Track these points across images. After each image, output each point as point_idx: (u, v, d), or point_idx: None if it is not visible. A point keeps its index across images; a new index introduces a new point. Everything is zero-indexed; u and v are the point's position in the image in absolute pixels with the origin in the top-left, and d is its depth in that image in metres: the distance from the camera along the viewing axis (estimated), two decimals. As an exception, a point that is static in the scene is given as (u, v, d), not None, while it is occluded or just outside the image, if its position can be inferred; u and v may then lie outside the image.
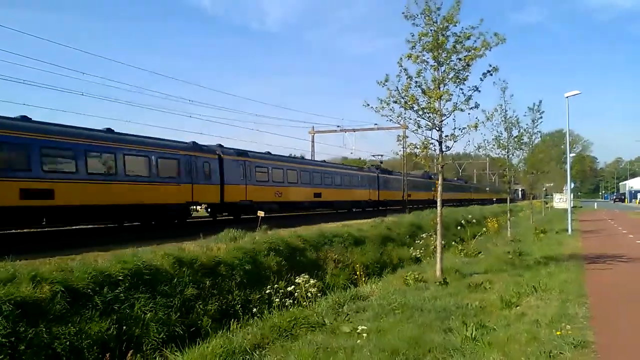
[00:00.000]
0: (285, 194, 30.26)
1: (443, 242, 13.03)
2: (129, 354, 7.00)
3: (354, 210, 39.82)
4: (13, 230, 17.56)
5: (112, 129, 19.35)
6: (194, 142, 23.71)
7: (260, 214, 18.52)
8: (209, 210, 27.25)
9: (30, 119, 16.41)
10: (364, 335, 7.02)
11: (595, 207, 74.94)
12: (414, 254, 18.66)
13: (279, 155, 32.64)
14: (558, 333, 7.00)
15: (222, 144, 26.39)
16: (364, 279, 14.24)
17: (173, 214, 21.75)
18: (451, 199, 57.26)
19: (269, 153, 30.83)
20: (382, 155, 54.85)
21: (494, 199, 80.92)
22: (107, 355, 6.97)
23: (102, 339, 7.96)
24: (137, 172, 19.36)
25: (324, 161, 35.80)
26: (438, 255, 12.45)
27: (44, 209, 15.89)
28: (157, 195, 20.19)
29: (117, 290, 8.90)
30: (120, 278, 9.15)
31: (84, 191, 16.90)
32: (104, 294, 8.61)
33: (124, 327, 8.46)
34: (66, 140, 16.69)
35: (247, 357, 6.58)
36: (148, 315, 8.95)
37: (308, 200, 32.92)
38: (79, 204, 16.71)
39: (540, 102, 24.45)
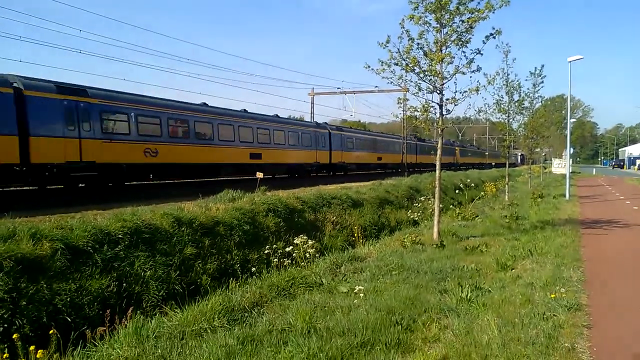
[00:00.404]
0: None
1: (441, 205, 13.10)
2: (130, 310, 7.10)
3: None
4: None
5: (278, 115, 31.60)
6: (316, 122, 37.75)
7: (259, 175, 18.54)
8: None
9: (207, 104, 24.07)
10: (361, 295, 7.13)
11: (594, 172, 75.02)
12: (411, 216, 18.79)
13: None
14: (552, 296, 7.11)
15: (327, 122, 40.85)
16: (361, 240, 14.36)
17: (308, 170, 33.60)
18: (446, 163, 56.56)
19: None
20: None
21: (493, 163, 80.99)
22: (108, 311, 7.07)
23: (102, 295, 8.08)
24: (293, 143, 30.55)
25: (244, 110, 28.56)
26: (435, 218, 12.54)
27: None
28: (302, 157, 31.64)
29: (117, 249, 8.98)
30: (120, 236, 9.23)
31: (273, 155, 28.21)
32: (104, 252, 8.69)
33: (124, 285, 8.58)
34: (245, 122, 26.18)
35: (246, 314, 6.68)
36: (148, 273, 9.07)
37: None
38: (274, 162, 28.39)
39: (542, 66, 24.23)
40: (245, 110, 27.74)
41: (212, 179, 24.39)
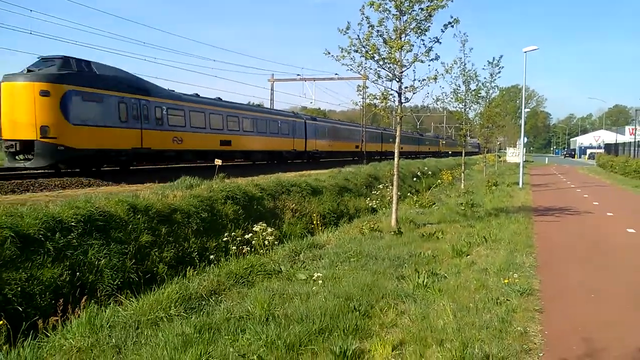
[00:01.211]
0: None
1: (399, 193, 13.24)
2: (83, 300, 6.93)
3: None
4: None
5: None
6: (294, 112, 40.83)
7: (218, 162, 18.35)
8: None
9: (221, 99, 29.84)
10: (320, 282, 7.16)
11: (546, 161, 77.32)
12: (370, 204, 18.93)
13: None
14: (505, 281, 7.30)
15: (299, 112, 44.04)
16: (320, 228, 14.41)
17: (286, 156, 35.88)
18: (408, 152, 58.15)
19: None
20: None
21: (449, 152, 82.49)
22: (61, 300, 6.88)
23: (54, 284, 7.85)
24: (274, 131, 33.42)
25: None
26: (394, 205, 12.67)
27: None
28: (281, 145, 34.75)
29: (69, 237, 8.72)
30: (72, 224, 8.96)
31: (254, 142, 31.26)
32: (56, 240, 8.43)
33: (78, 274, 8.35)
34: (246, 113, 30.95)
35: (204, 302, 6.62)
36: (102, 261, 8.85)
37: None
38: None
39: (501, 56, 24.64)
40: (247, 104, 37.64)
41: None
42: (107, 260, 8.94)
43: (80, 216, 9.19)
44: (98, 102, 18.98)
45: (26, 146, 17.05)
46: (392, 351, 4.95)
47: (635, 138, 47.29)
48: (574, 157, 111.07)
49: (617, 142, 58.88)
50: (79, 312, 6.35)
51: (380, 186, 20.17)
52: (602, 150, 67.10)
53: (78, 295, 7.77)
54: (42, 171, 18.51)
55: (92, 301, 7.05)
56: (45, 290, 7.64)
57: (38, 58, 18.61)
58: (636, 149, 41.13)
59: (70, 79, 17.82)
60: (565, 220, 15.04)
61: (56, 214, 8.92)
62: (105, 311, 6.24)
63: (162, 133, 22.90)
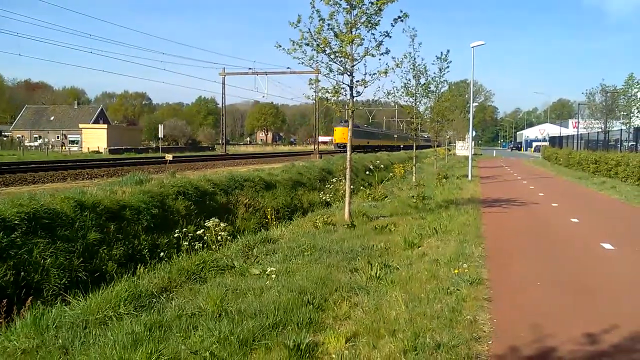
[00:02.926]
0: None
1: (352, 186, 13.33)
2: (29, 300, 6.68)
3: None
4: None
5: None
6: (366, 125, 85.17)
7: (168, 157, 18.05)
8: None
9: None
10: (273, 276, 7.13)
11: (494, 154, 79.42)
12: (324, 198, 18.98)
13: None
14: (456, 271, 7.45)
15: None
16: (274, 222, 14.34)
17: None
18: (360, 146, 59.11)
19: None
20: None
21: (401, 146, 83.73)
22: (4, 301, 6.62)
23: (-3, 285, 7.55)
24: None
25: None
26: (347, 199, 12.75)
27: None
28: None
29: (13, 235, 8.39)
30: (16, 222, 8.62)
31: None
32: (-2, 239, 8.09)
33: (22, 273, 8.05)
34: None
35: (154, 300, 6.48)
36: (48, 260, 8.55)
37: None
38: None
39: (448, 51, 25.05)
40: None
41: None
42: (54, 259, 8.65)
43: (24, 214, 8.85)
44: (359, 134, 44.99)
45: (340, 145, 54.38)
46: (346, 343, 4.97)
47: (578, 131, 49.08)
48: (520, 150, 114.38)
49: (561, 135, 60.96)
50: (24, 314, 6.13)
51: (334, 180, 20.25)
52: (547, 143, 69.35)
53: (23, 295, 7.50)
54: None
55: (38, 301, 6.82)
56: (-13, 292, 7.34)
57: (341, 120, 47.79)
58: (579, 141, 42.71)
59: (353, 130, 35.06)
60: (512, 211, 15.49)
61: (-2, 212, 8.56)
62: (51, 311, 6.03)
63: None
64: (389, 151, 60.41)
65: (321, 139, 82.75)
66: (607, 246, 10.16)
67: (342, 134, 56.09)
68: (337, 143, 59.23)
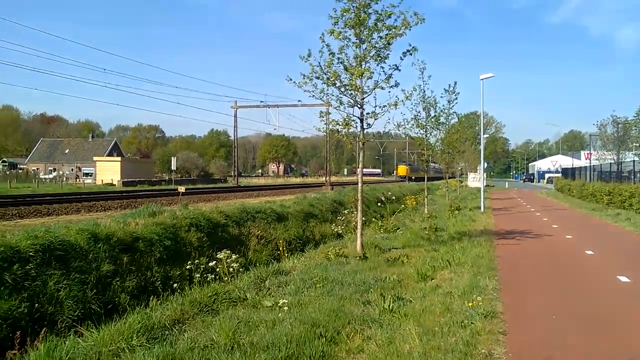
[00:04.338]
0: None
1: (364, 218, 13.32)
2: (42, 332, 6.70)
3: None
4: None
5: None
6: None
7: (181, 189, 18.18)
8: None
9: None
10: (285, 308, 7.10)
11: (506, 186, 79.06)
12: (335, 229, 18.95)
13: None
14: (470, 304, 7.37)
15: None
16: (286, 254, 14.33)
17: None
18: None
19: None
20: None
21: (413, 177, 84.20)
22: (18, 333, 6.64)
23: (12, 317, 7.58)
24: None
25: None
26: (358, 230, 12.73)
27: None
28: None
29: (27, 267, 8.46)
30: (31, 254, 8.70)
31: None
32: (13, 271, 8.16)
33: (37, 305, 8.09)
34: None
35: (167, 332, 6.47)
36: (62, 292, 8.60)
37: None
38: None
39: (455, 83, 25.29)
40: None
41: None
42: (67, 290, 8.70)
43: (39, 246, 8.94)
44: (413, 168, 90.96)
45: (402, 177, 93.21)
46: (359, 377, 4.92)
47: (590, 162, 48.85)
48: (532, 181, 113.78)
49: (574, 166, 60.66)
50: (37, 345, 6.13)
51: (346, 212, 20.24)
52: (559, 175, 69.01)
53: (37, 327, 7.52)
54: None
55: (52, 333, 6.83)
56: (3, 323, 7.37)
57: (401, 162, 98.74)
58: (592, 172, 42.47)
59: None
60: (526, 243, 15.35)
61: (14, 244, 8.65)
62: (65, 343, 6.03)
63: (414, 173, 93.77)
64: (430, 181, 62.31)
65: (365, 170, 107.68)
66: (624, 279, 10.02)
67: (402, 170, 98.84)
68: (399, 175, 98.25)
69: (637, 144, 39.30)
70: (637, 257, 13.07)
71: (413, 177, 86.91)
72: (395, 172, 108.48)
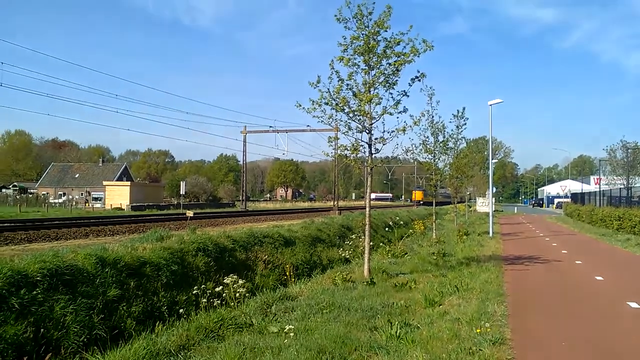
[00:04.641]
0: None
1: (371, 243, 13.28)
2: (47, 357, 6.69)
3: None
4: None
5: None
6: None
7: (189, 213, 18.23)
8: None
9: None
10: (292, 334, 7.06)
11: (515, 211, 78.61)
12: (343, 254, 18.89)
13: None
14: (478, 331, 7.30)
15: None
16: (293, 279, 14.28)
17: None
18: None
19: None
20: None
21: (422, 202, 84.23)
22: (25, 358, 6.63)
23: (18, 341, 7.56)
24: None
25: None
26: (366, 255, 12.68)
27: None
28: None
29: (35, 292, 8.46)
30: (38, 278, 8.70)
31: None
32: (20, 295, 8.17)
33: (42, 330, 8.07)
34: None
35: (172, 358, 6.45)
36: (68, 317, 8.58)
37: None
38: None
39: (464, 109, 25.36)
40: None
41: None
42: (74, 315, 8.67)
43: (47, 270, 8.95)
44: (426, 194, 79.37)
45: (418, 202, 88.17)
46: (365, 404, 4.86)
47: (600, 187, 48.56)
48: (542, 206, 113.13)
49: (583, 191, 60.33)
50: (42, 371, 6.12)
51: (353, 236, 20.21)
52: (569, 200, 68.60)
53: (42, 352, 7.50)
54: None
55: (57, 358, 6.81)
56: (8, 348, 7.36)
57: (416, 188, 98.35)
58: (601, 197, 42.18)
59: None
60: (535, 268, 15.21)
61: (21, 268, 8.68)
62: (69, 369, 6.02)
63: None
64: (438, 206, 62.83)
65: (373, 195, 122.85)
66: (634, 305, 9.88)
67: (419, 195, 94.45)
68: (416, 200, 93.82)
69: (647, 169, 39.09)
70: (648, 283, 12.90)
71: (422, 202, 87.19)
72: (411, 196, 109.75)
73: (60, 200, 78.80)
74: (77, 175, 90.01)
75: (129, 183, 78.08)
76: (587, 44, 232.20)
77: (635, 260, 17.84)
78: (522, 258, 17.32)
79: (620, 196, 36.20)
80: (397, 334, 7.15)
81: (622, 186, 39.40)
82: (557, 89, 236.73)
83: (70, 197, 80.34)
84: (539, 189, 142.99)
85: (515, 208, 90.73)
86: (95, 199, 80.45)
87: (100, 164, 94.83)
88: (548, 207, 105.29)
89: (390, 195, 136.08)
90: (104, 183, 77.64)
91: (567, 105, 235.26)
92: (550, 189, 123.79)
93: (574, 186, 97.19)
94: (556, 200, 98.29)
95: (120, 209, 61.06)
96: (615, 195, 37.47)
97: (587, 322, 8.70)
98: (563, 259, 17.40)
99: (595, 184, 67.01)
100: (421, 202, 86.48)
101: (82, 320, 8.72)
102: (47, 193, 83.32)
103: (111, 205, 65.85)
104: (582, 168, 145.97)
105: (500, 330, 7.58)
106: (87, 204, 74.76)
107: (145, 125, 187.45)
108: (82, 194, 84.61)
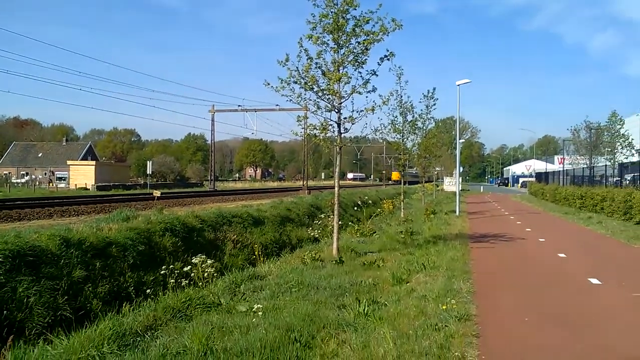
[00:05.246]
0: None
1: (340, 222, 13.34)
2: (10, 339, 6.54)
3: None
4: None
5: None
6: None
7: (156, 193, 18.00)
8: None
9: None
10: (260, 313, 7.07)
11: (482, 190, 79.91)
12: (312, 234, 18.95)
13: None
14: (444, 307, 7.41)
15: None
16: (262, 259, 14.26)
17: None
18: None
19: None
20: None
21: (391, 181, 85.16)
22: (-16, 342, 6.48)
23: (-22, 325, 7.40)
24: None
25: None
26: (335, 235, 12.74)
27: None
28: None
29: (-4, 273, 8.27)
30: (0, 260, 8.51)
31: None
32: (-20, 278, 7.97)
33: (5, 312, 7.91)
34: None
35: (139, 339, 6.38)
36: (32, 298, 8.42)
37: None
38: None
39: (434, 89, 25.53)
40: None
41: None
42: (38, 297, 8.52)
43: (9, 251, 8.74)
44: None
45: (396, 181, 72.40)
46: (333, 381, 4.91)
47: (563, 167, 49.64)
48: (507, 185, 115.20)
49: (547, 170, 61.58)
50: (5, 353, 6.00)
51: (322, 216, 20.27)
52: (533, 179, 69.99)
53: (5, 334, 7.35)
54: None
55: (20, 341, 6.68)
56: (-32, 331, 7.18)
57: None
58: (565, 177, 43.15)
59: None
60: (500, 246, 15.51)
61: (-19, 249, 8.45)
62: (33, 351, 5.92)
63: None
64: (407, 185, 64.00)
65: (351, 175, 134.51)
66: (595, 281, 10.18)
67: (396, 175, 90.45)
68: (394, 180, 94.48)
69: (609, 149, 40.02)
70: (607, 260, 13.31)
71: (400, 182, 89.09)
72: (390, 176, 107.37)
73: (23, 180, 76.88)
74: (40, 155, 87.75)
75: (94, 162, 76.59)
76: (553, 25, 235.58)
77: (597, 237, 18.35)
78: (487, 236, 17.64)
79: (583, 175, 37.07)
80: (365, 311, 7.22)
81: (585, 165, 40.32)
82: (523, 70, 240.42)
83: (33, 176, 78.50)
84: (504, 169, 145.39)
85: (482, 187, 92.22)
86: (60, 178, 78.72)
87: (64, 143, 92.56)
88: (513, 186, 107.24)
89: (364, 175, 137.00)
90: (68, 162, 75.96)
91: (533, 86, 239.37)
92: (516, 169, 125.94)
93: (539, 166, 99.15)
94: (521, 180, 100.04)
95: (86, 188, 59.94)
96: (578, 175, 38.36)
97: (550, 298, 8.92)
98: (527, 237, 17.79)
99: (559, 164, 68.45)
100: (399, 182, 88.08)
101: (46, 302, 8.57)
102: (9, 173, 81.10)
103: (76, 185, 64.57)
104: (546, 148, 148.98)
105: (465, 307, 7.71)
106: (51, 184, 73.19)
107: (110, 103, 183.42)
108: (45, 173, 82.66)
